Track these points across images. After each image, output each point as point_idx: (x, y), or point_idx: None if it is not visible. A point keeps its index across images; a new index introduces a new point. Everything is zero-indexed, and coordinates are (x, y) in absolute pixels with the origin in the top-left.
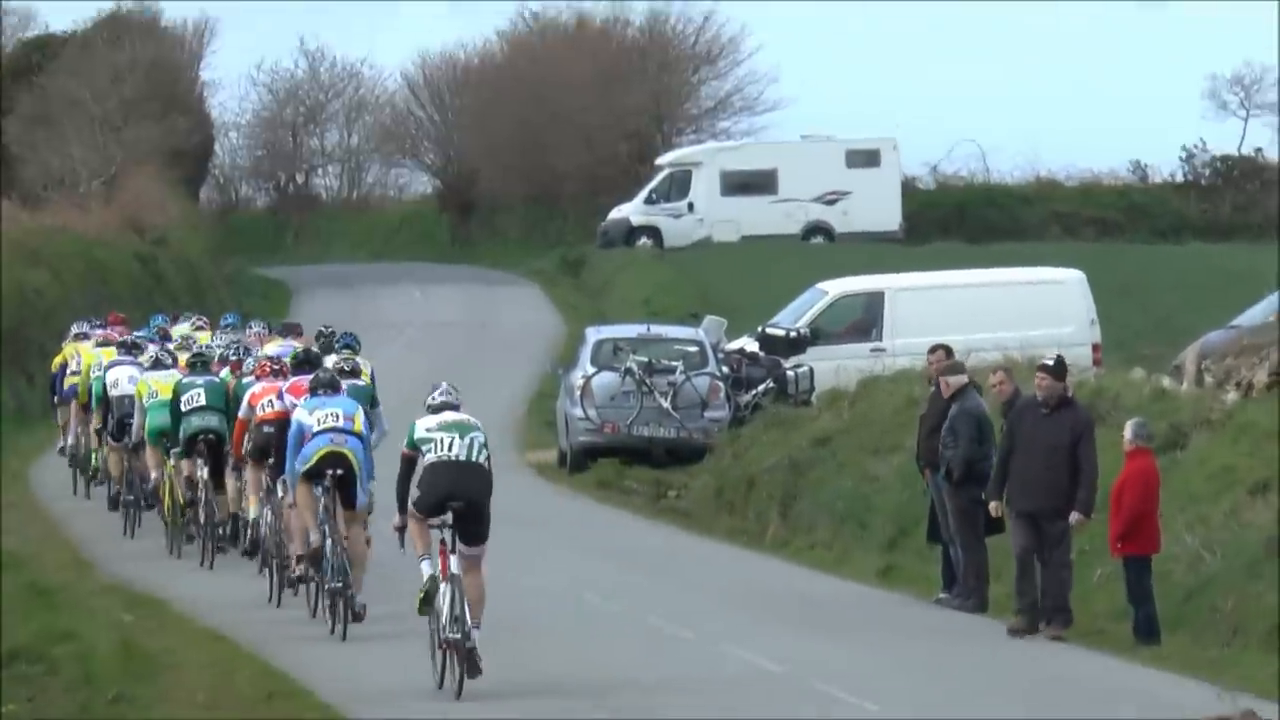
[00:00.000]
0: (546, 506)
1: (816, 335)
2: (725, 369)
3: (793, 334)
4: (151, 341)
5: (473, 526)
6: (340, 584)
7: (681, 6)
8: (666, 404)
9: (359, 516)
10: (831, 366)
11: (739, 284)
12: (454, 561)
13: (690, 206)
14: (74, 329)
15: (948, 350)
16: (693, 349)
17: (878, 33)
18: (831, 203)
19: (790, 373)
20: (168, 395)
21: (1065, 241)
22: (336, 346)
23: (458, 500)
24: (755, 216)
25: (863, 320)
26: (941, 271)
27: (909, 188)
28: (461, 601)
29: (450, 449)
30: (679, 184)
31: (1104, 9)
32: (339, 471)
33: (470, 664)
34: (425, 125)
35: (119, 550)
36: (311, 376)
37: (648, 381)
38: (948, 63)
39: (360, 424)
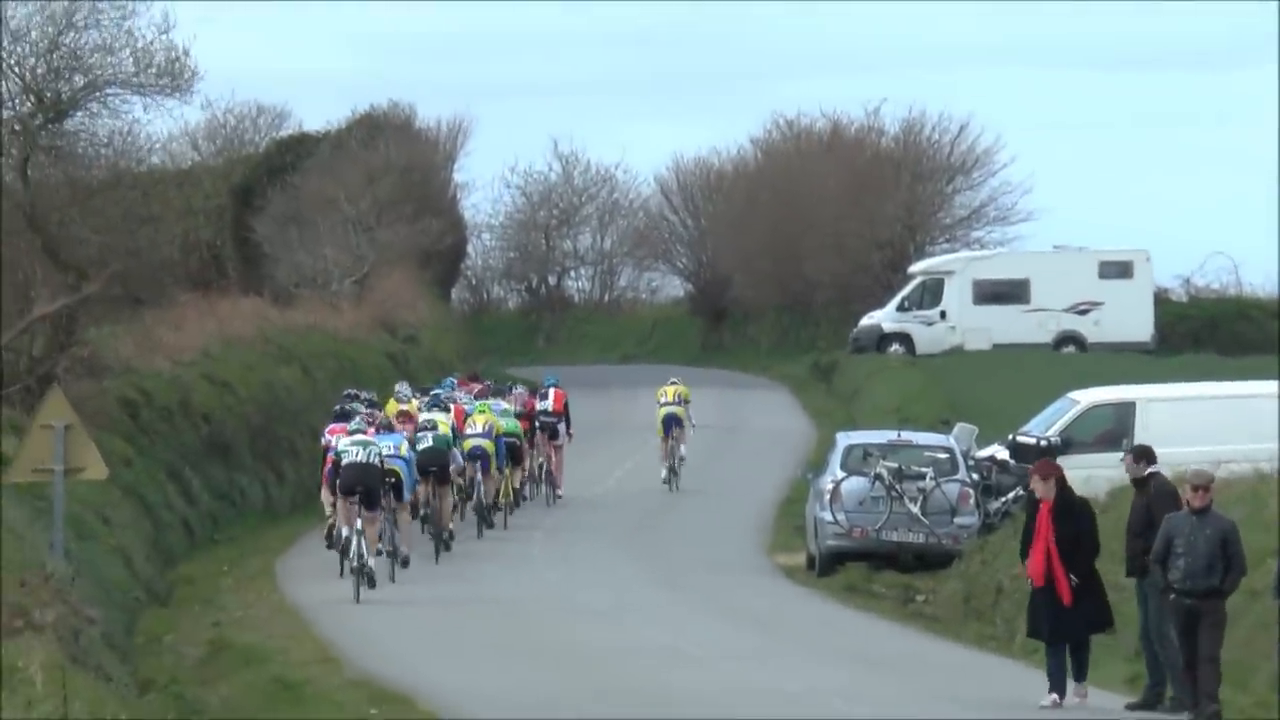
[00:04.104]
0: (793, 609)
1: (1067, 444)
2: (975, 476)
3: (1043, 442)
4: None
5: (370, 501)
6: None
7: (937, 117)
8: (916, 510)
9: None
10: (1082, 475)
11: (990, 392)
12: (359, 522)
13: (942, 314)
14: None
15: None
16: (943, 455)
17: (1131, 145)
18: (1084, 313)
19: None
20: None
21: None
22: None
23: (361, 486)
24: (1007, 325)
25: (1113, 430)
26: (1193, 383)
27: (1161, 299)
28: (362, 544)
29: (357, 456)
30: (931, 292)
31: None
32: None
33: (370, 580)
34: (678, 230)
35: (369, 647)
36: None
37: (897, 487)
38: (1201, 175)
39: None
